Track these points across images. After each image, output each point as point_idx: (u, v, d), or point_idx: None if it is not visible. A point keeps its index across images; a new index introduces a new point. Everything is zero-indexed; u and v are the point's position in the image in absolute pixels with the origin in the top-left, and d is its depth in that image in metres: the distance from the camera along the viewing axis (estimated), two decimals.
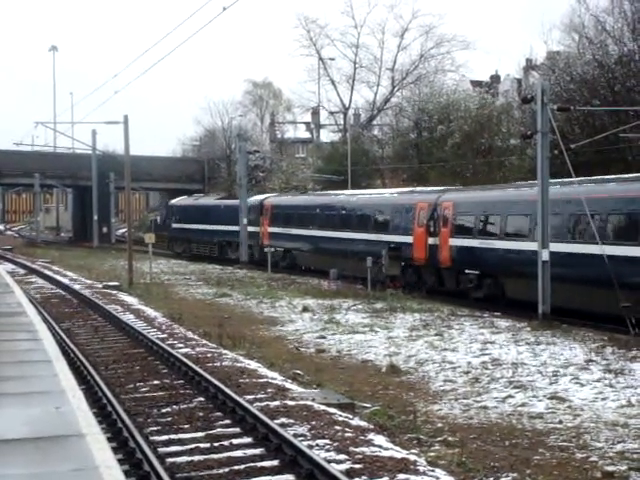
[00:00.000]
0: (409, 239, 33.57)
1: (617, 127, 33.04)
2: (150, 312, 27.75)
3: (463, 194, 33.33)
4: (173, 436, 11.98)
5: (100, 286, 36.31)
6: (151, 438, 11.75)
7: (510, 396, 15.26)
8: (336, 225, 40.55)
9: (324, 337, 22.68)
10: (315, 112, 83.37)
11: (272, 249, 44.51)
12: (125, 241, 49.20)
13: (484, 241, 29.39)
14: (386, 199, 37.93)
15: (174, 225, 61.89)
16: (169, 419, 13.05)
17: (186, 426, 12.58)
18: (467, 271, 30.11)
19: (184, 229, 60.07)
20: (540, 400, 14.91)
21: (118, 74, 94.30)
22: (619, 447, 11.91)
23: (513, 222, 28.58)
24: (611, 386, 15.71)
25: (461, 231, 30.76)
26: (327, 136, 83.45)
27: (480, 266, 29.58)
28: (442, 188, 33.71)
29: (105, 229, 76.37)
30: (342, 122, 75.07)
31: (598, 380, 16.24)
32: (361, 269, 34.40)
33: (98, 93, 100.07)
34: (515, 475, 10.61)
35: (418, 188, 39.00)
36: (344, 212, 40.35)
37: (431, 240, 32.18)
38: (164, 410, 13.65)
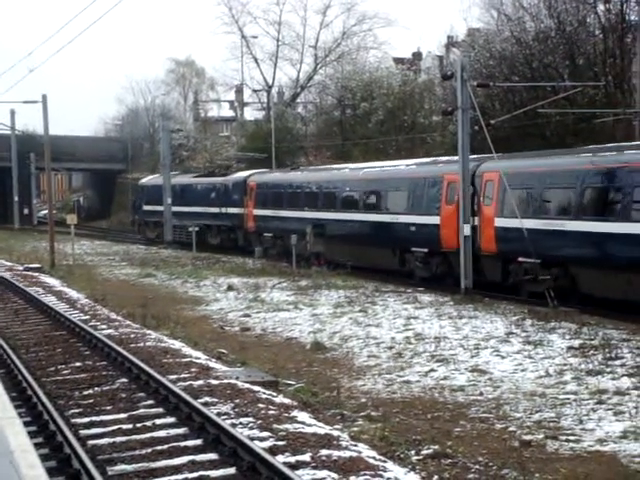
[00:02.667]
0: (434, 220, 27.61)
1: (535, 103, 33.53)
2: (73, 294, 27.41)
3: (514, 162, 26.20)
4: (95, 418, 11.87)
5: (21, 268, 35.74)
6: (72, 421, 11.62)
7: (432, 370, 15.46)
8: (340, 205, 34.10)
9: (249, 315, 22.67)
10: (238, 90, 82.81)
11: (196, 228, 44.15)
12: (47, 222, 48.52)
13: (549, 222, 23.27)
14: (402, 172, 31.12)
15: (145, 207, 55.47)
16: (91, 401, 12.92)
17: (108, 408, 12.48)
18: (521, 259, 24.02)
19: (156, 212, 52.78)
20: (462, 373, 15.13)
21: (33, 52, 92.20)
22: (537, 416, 12.17)
23: (594, 196, 22.43)
24: (530, 357, 16.02)
25: (512, 209, 23.91)
26: (251, 114, 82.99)
27: (543, 253, 23.10)
28: (480, 156, 27.11)
29: (26, 210, 74.99)
30: (266, 100, 74.71)
31: (518, 352, 16.54)
32: (385, 259, 30.35)
33: (13, 72, 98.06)
34: (436, 447, 10.75)
35: (444, 157, 32.01)
36: (349, 190, 33.90)
37: None
38: (86, 392, 13.51)
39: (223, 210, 45.05)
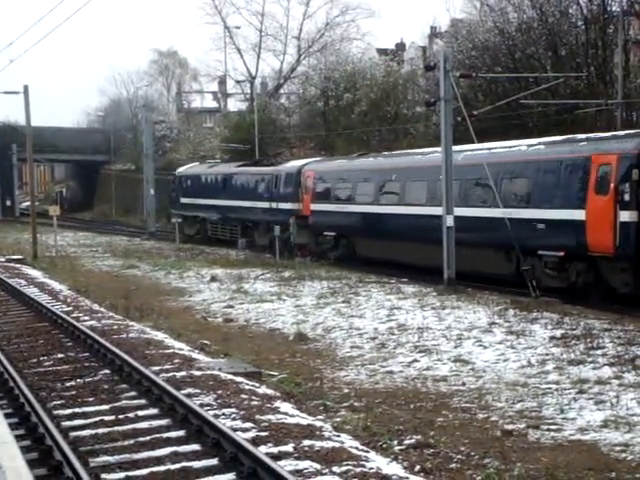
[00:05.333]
0: (575, 215, 22.11)
1: (518, 94, 33.63)
2: (55, 285, 27.31)
3: None
4: (77, 410, 11.83)
5: (3, 260, 35.57)
6: (54, 412, 11.57)
7: (415, 360, 15.49)
8: (429, 198, 28.16)
9: (232, 306, 22.66)
10: (222, 81, 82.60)
11: (179, 219, 43.90)
12: (29, 214, 48.35)
13: None
14: (522, 155, 25.05)
15: (183, 200, 49.23)
16: (73, 393, 12.87)
17: (91, 399, 12.43)
18: None
19: (196, 205, 47.45)
20: (444, 363, 15.17)
21: (13, 42, 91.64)
22: (518, 406, 12.22)
23: None
24: (512, 347, 16.07)
25: None
26: (234, 105, 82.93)
27: None
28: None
29: (9, 202, 74.78)
30: (249, 91, 74.54)
31: (500, 342, 16.59)
32: (495, 264, 25.13)
33: None
34: (419, 437, 10.79)
35: (591, 135, 25.21)
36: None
37: (626, 216, 20.81)
38: (68, 384, 13.46)
39: (273, 205, 38.91)
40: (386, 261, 29.68)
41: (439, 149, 27.22)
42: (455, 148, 25.95)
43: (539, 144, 25.02)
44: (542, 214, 23.24)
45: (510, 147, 26.21)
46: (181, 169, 52.43)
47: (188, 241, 42.75)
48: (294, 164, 39.28)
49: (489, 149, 26.51)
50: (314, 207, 35.13)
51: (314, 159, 39.58)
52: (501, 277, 24.67)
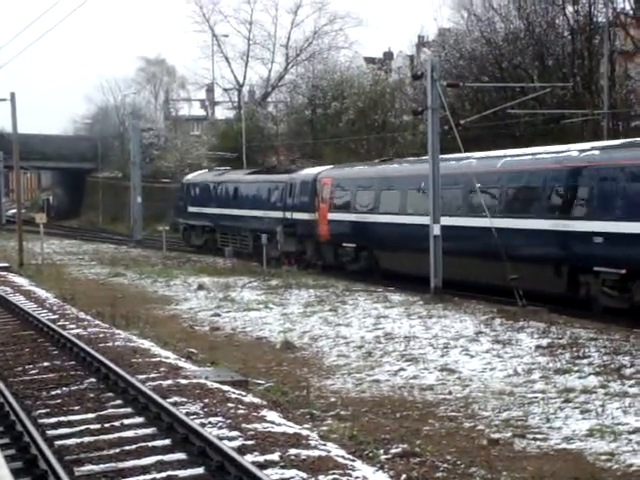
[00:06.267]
0: None
1: (505, 103, 33.78)
2: (41, 293, 27.22)
3: None
4: (63, 418, 11.79)
5: None
6: (39, 421, 11.53)
7: (402, 369, 15.49)
8: (466, 208, 25.97)
9: (219, 315, 22.63)
10: (209, 89, 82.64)
11: (166, 227, 43.81)
12: (16, 221, 48.20)
13: None
14: (575, 160, 22.54)
15: (190, 209, 46.79)
16: (59, 401, 12.82)
17: (76, 408, 12.39)
18: None
19: (204, 215, 45.19)
20: (431, 372, 15.17)
21: (0, 49, 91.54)
22: (505, 415, 12.23)
23: None
24: (499, 356, 16.10)
25: None
26: (222, 113, 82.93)
27: None
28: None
29: None
30: (237, 99, 74.57)
31: (487, 351, 16.62)
32: (542, 280, 22.60)
33: None
34: (405, 446, 10.78)
35: None
36: (480, 186, 24.46)
37: None
38: (54, 392, 13.41)
39: (287, 215, 36.53)
40: (414, 276, 26.82)
41: (477, 154, 26.32)
42: (491, 154, 24.85)
43: (592, 149, 22.66)
44: (601, 227, 20.75)
45: (557, 152, 23.76)
46: (189, 176, 50.39)
47: (196, 252, 41.92)
48: (310, 171, 37.01)
49: (533, 154, 24.66)
50: (332, 217, 32.75)
51: (330, 166, 37.05)
52: (550, 295, 22.37)
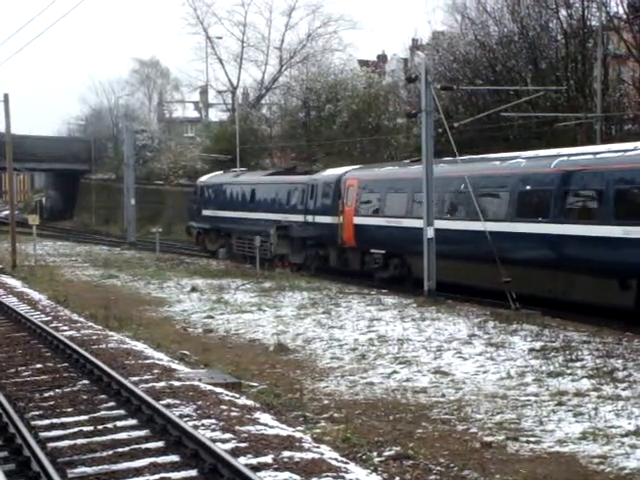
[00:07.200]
0: None
1: (499, 106, 33.81)
2: (34, 295, 27.18)
3: None
4: (55, 420, 11.76)
5: None
6: (32, 423, 11.50)
7: (395, 372, 15.49)
8: (512, 211, 23.77)
9: (212, 317, 22.62)
10: (203, 91, 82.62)
11: (159, 229, 43.72)
12: (9, 223, 48.10)
13: None
14: None
15: (205, 212, 44.54)
16: (52, 403, 12.80)
17: (69, 410, 12.37)
18: None
19: (219, 218, 42.93)
20: (424, 375, 15.17)
21: None
22: (498, 418, 12.24)
23: None
24: (492, 359, 16.11)
25: None
26: (216, 115, 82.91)
27: None
28: None
29: None
30: (230, 101, 74.57)
31: (480, 354, 16.63)
32: (602, 292, 20.74)
33: None
34: (398, 449, 10.78)
35: None
36: (529, 189, 23.32)
37: None
38: (47, 394, 13.38)
39: (309, 219, 34.56)
40: (451, 284, 25.19)
41: (525, 154, 24.66)
42: (542, 153, 23.30)
43: None
44: None
45: (624, 151, 21.09)
46: (203, 178, 47.84)
47: (211, 257, 40.59)
48: (332, 172, 34.70)
49: (594, 154, 22.04)
50: (358, 221, 30.66)
51: (356, 166, 34.98)
52: (607, 307, 20.68)
